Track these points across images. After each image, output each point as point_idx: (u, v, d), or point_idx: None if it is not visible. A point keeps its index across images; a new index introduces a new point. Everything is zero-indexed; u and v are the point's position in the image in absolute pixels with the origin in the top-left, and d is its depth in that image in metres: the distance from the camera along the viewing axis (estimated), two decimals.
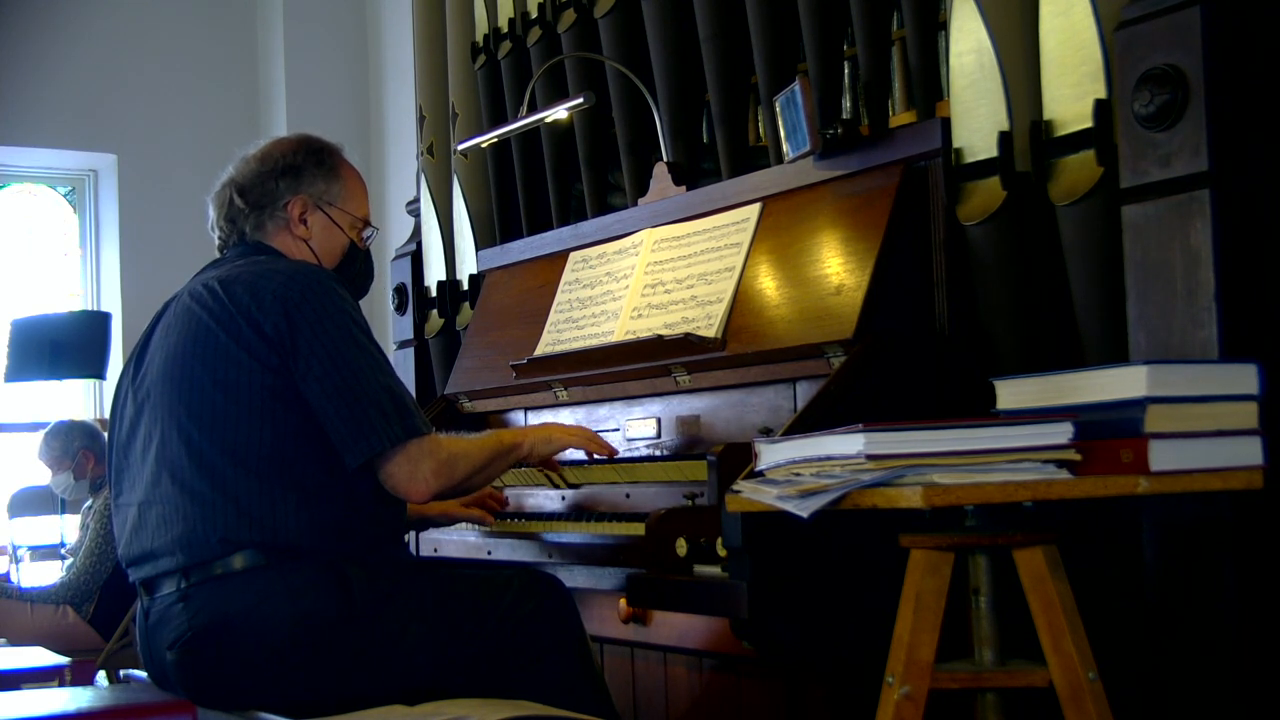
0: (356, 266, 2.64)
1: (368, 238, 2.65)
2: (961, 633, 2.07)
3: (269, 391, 2.30)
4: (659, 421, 2.93)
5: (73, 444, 5.07)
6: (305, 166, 2.56)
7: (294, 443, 2.30)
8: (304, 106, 6.37)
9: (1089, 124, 2.36)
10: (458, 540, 3.06)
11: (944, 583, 1.99)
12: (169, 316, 2.45)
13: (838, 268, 2.58)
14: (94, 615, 4.69)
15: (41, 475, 5.21)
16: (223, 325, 2.33)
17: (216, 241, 2.60)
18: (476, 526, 3.01)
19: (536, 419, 3.30)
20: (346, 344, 2.31)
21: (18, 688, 3.07)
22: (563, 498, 3.04)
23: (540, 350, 3.17)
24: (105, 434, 5.29)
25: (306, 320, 2.31)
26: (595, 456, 2.77)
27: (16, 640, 4.36)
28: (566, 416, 3.18)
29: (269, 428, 2.29)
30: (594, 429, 2.92)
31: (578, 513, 2.93)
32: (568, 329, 3.14)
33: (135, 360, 2.50)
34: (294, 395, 2.30)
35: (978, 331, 2.51)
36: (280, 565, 2.26)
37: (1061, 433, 1.90)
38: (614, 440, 2.91)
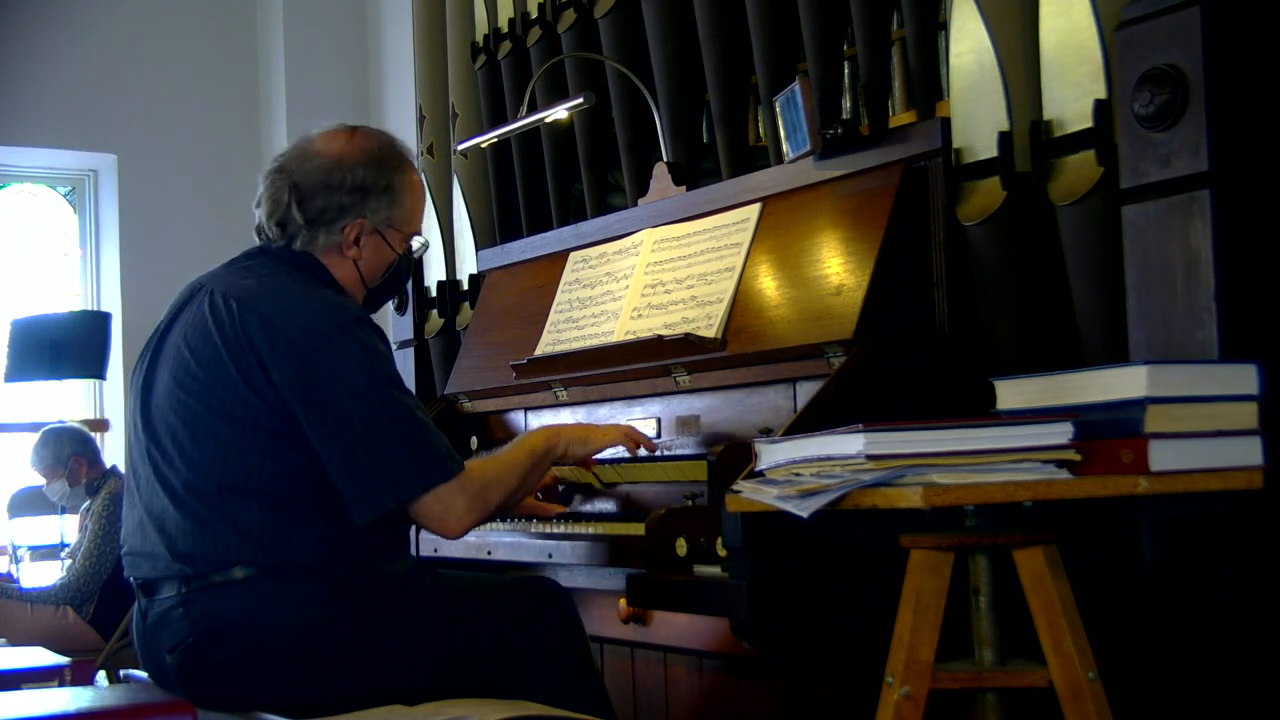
0: (398, 277, 2.56)
1: (416, 249, 2.56)
2: (961, 633, 2.07)
3: (272, 431, 2.24)
4: (659, 421, 2.93)
5: (63, 451, 5.05)
6: (373, 191, 2.43)
7: (296, 475, 2.25)
8: (304, 107, 6.36)
9: (1089, 124, 2.37)
10: (458, 540, 3.05)
11: (944, 583, 1.99)
12: (188, 316, 2.37)
13: (838, 268, 2.58)
14: (94, 615, 4.70)
15: (39, 480, 5.20)
16: (233, 357, 2.26)
17: (256, 222, 2.47)
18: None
19: (536, 419, 3.30)
20: (359, 398, 2.23)
21: (18, 688, 3.07)
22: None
23: (540, 350, 3.17)
24: (100, 436, 5.33)
25: (319, 374, 2.22)
26: (638, 454, 2.71)
27: (16, 640, 4.36)
28: (567, 416, 3.18)
29: (269, 461, 2.25)
30: None
31: (578, 513, 2.93)
32: (568, 329, 3.14)
33: (152, 352, 2.42)
34: (297, 437, 2.24)
35: (978, 331, 2.51)
36: (281, 576, 2.24)
37: (1061, 433, 1.90)
38: None
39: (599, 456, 2.67)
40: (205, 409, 2.28)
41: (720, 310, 2.75)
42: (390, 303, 4.22)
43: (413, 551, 3.12)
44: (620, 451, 2.72)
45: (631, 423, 2.96)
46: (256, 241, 2.50)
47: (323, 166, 2.42)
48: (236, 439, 2.25)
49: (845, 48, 2.98)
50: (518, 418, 3.37)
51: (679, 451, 2.85)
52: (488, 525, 2.98)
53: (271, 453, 2.25)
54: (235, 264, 2.46)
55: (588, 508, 2.97)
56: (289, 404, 2.24)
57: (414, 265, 2.63)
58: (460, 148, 3.86)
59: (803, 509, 1.88)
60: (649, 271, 3.01)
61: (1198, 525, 2.19)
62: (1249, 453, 1.93)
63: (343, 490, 2.24)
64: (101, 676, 4.34)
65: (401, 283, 2.61)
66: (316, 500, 2.27)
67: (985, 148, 2.49)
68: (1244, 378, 1.95)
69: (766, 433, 2.57)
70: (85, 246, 6.74)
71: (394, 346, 4.21)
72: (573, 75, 3.58)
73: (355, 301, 2.45)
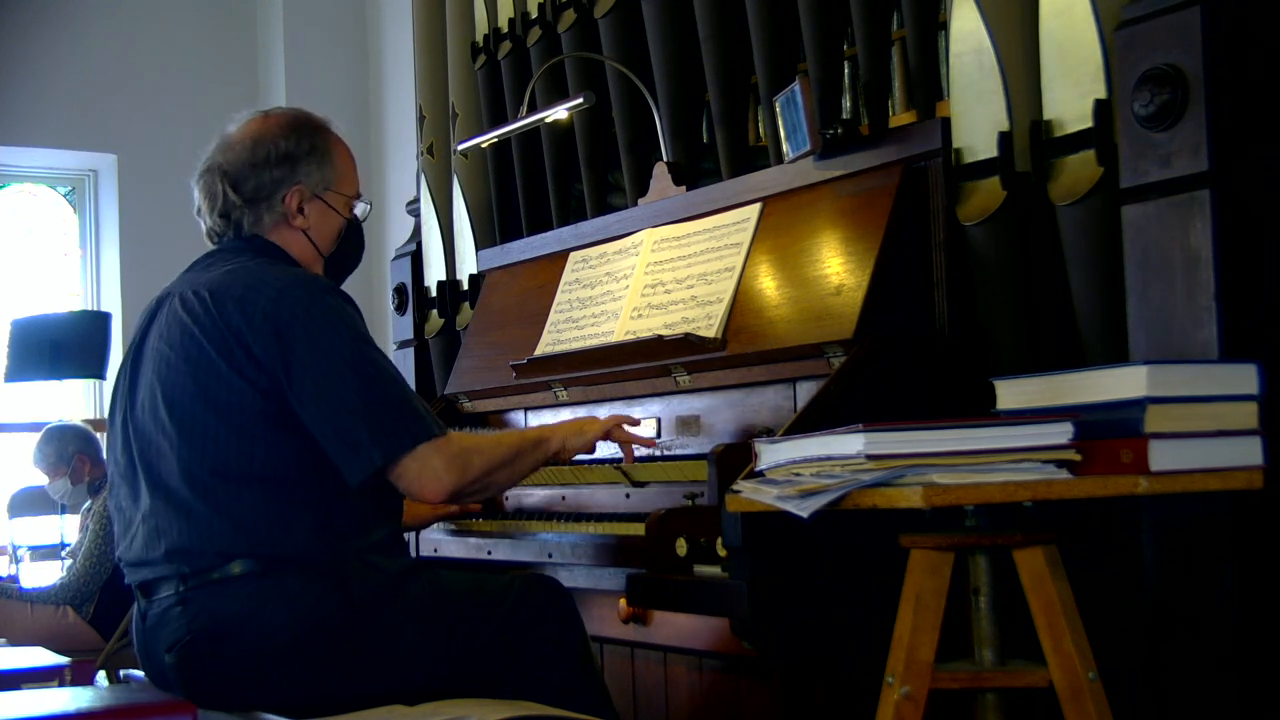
0: (351, 243, 2.57)
1: (361, 212, 2.57)
2: (961, 633, 2.07)
3: (262, 415, 2.25)
4: (659, 421, 2.93)
5: (67, 449, 5.05)
6: (299, 155, 2.47)
7: (289, 462, 2.26)
8: (304, 106, 6.36)
9: (1089, 124, 2.37)
10: (458, 540, 3.06)
11: (944, 583, 1.99)
12: (162, 321, 2.39)
13: (838, 268, 2.58)
14: (94, 615, 4.69)
15: (41, 478, 5.21)
16: (214, 343, 2.28)
17: (204, 228, 2.51)
18: (473, 526, 3.01)
19: (536, 419, 3.30)
20: (339, 361, 2.25)
21: (18, 688, 3.06)
22: (562, 498, 3.04)
23: (540, 350, 3.17)
24: (100, 435, 5.32)
25: (298, 340, 2.25)
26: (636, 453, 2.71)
27: (16, 640, 4.35)
28: (567, 416, 3.18)
29: (262, 449, 2.25)
30: None
31: (578, 513, 2.93)
32: (568, 329, 3.14)
33: (130, 363, 2.44)
34: (288, 417, 2.25)
35: (978, 331, 2.51)
36: (278, 572, 2.25)
37: (1061, 433, 1.90)
38: None
39: (601, 455, 2.67)
40: (192, 400, 2.28)
41: (720, 310, 2.75)
42: (390, 303, 4.24)
43: (412, 552, 3.13)
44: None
45: None
46: (211, 247, 2.52)
47: (245, 149, 2.46)
48: (225, 427, 2.26)
49: (845, 48, 2.98)
50: (518, 417, 3.37)
51: (679, 451, 2.85)
52: (488, 525, 2.98)
53: (262, 438, 2.26)
54: (195, 267, 2.48)
55: (588, 507, 2.97)
56: (275, 379, 2.25)
57: (362, 231, 2.63)
58: (460, 148, 3.85)
59: (803, 509, 1.88)
60: (649, 271, 3.01)
61: (1198, 525, 2.19)
62: (1249, 453, 1.93)
63: (333, 454, 2.25)
64: (101, 676, 4.34)
65: (355, 250, 2.60)
66: (312, 487, 2.27)
67: (985, 148, 2.49)
68: (1244, 378, 1.95)
69: (766, 433, 2.57)
70: (85, 246, 6.74)
71: (394, 346, 4.21)
72: (573, 75, 3.58)
73: (322, 275, 2.48)
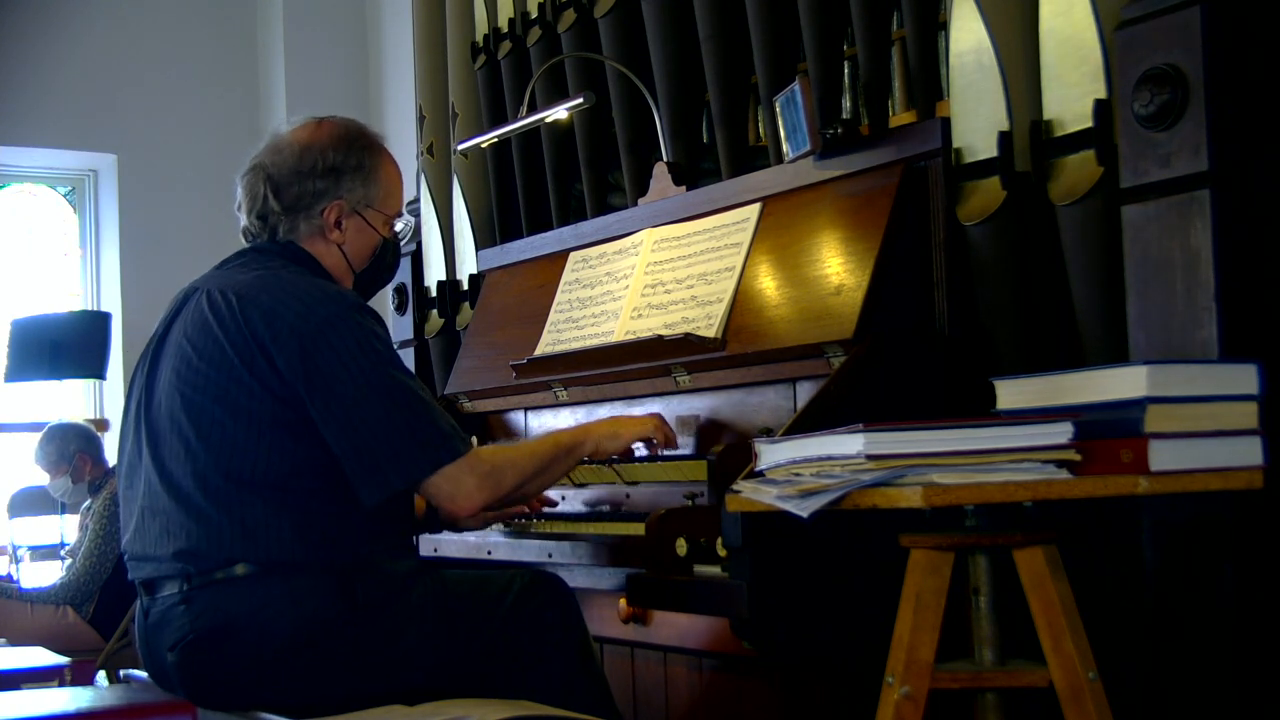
0: (385, 261, 2.58)
1: (400, 230, 2.58)
2: (961, 633, 2.07)
3: (278, 421, 2.25)
4: None
5: (68, 447, 5.06)
6: (345, 170, 2.46)
7: (302, 469, 2.26)
8: (304, 107, 6.30)
9: (1089, 124, 2.37)
10: (458, 540, 3.06)
11: (944, 583, 1.99)
12: (188, 315, 2.39)
13: (838, 267, 2.58)
14: (94, 615, 4.70)
15: (41, 476, 5.21)
16: (236, 349, 2.28)
17: (242, 225, 2.51)
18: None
19: (536, 419, 3.30)
20: (364, 383, 2.25)
21: (18, 688, 3.06)
22: (562, 497, 3.04)
23: (540, 350, 3.17)
24: (101, 435, 5.33)
25: (323, 358, 2.25)
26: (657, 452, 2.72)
27: (16, 640, 4.35)
28: (567, 416, 3.18)
29: (275, 454, 2.26)
30: None
31: (578, 513, 2.93)
32: (568, 329, 3.14)
33: (152, 355, 2.44)
34: (303, 426, 2.25)
35: (978, 331, 2.51)
36: (283, 573, 2.25)
37: (1061, 433, 1.90)
38: None
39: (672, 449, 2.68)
40: (211, 402, 2.29)
41: (720, 310, 2.75)
42: (391, 303, 4.24)
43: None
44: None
45: None
46: (245, 245, 2.53)
47: (293, 154, 2.46)
48: (242, 432, 2.26)
49: (845, 48, 2.98)
50: (518, 418, 3.37)
51: (679, 451, 2.85)
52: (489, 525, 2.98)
53: (277, 445, 2.26)
54: (227, 264, 2.48)
55: (588, 508, 2.97)
56: (296, 390, 2.25)
57: (399, 250, 2.65)
58: (460, 148, 3.86)
59: (803, 509, 1.88)
60: (649, 271, 3.01)
61: (1198, 525, 2.19)
62: (1249, 453, 1.93)
63: (350, 474, 2.25)
64: (101, 676, 4.34)
65: (389, 268, 2.62)
66: (324, 497, 2.27)
67: (985, 148, 2.49)
68: (1244, 378, 1.95)
69: (766, 433, 2.57)
70: (85, 246, 6.74)
71: (394, 347, 4.21)
72: (573, 75, 3.58)
73: (351, 290, 2.48)
